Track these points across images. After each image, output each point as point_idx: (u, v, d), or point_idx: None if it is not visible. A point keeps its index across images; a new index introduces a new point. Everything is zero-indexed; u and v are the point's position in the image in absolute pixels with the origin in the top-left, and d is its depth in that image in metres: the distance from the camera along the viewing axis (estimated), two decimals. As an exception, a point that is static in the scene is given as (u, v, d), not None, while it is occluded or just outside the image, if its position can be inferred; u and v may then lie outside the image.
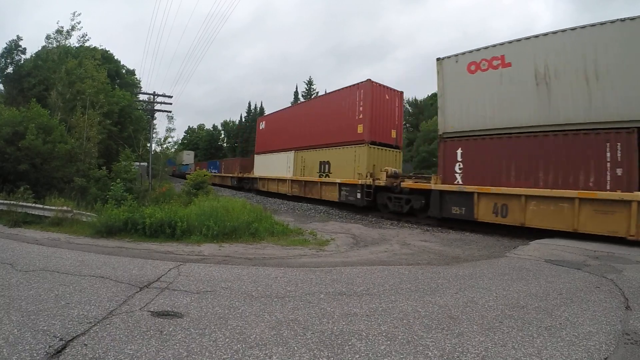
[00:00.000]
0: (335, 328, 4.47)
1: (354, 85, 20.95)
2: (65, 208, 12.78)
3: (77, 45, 29.16)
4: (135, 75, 44.86)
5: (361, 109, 19.89)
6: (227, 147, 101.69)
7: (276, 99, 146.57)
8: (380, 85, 20.47)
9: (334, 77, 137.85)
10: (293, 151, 26.43)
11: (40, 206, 13.20)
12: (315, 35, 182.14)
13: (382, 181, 18.07)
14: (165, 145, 34.51)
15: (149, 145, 29.42)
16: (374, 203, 18.77)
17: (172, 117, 35.36)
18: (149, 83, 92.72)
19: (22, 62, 28.71)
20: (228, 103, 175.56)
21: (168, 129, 44.71)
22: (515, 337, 4.33)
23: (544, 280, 6.96)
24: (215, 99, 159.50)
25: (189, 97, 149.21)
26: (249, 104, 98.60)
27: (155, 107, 28.76)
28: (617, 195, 10.76)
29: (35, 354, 3.57)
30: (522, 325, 4.67)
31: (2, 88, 30.62)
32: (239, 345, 3.93)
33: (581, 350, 4.02)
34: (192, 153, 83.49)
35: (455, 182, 14.47)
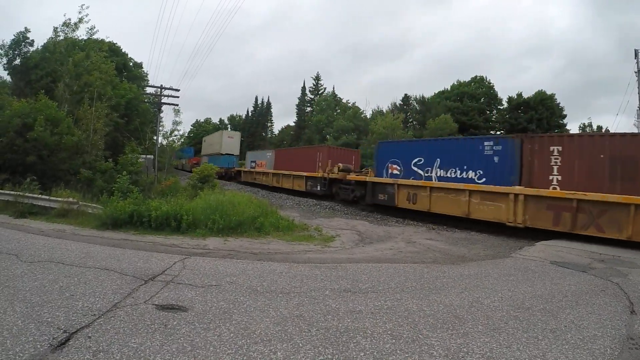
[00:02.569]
0: (340, 325, 4.46)
1: None
2: (71, 200, 12.82)
3: (85, 37, 29.18)
4: (142, 68, 44.71)
5: None
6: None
7: (285, 96, 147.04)
8: None
9: (350, 75, 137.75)
10: None
11: (46, 197, 13.26)
12: (334, 34, 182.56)
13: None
14: (171, 138, 34.43)
15: (155, 138, 29.46)
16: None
17: (178, 111, 35.22)
18: (156, 76, 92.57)
19: (29, 54, 28.78)
20: (244, 98, 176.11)
21: (174, 122, 42.37)
22: (520, 338, 4.31)
23: (549, 282, 6.93)
24: (230, 94, 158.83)
25: (203, 91, 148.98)
26: (256, 98, 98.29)
27: (162, 101, 28.77)
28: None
29: (38, 346, 3.59)
30: (527, 327, 4.65)
31: (10, 80, 30.74)
32: (243, 341, 3.93)
33: (586, 354, 4.00)
34: (237, 135, 53.88)
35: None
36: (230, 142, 48.93)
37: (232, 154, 46.67)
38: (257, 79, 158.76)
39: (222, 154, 45.84)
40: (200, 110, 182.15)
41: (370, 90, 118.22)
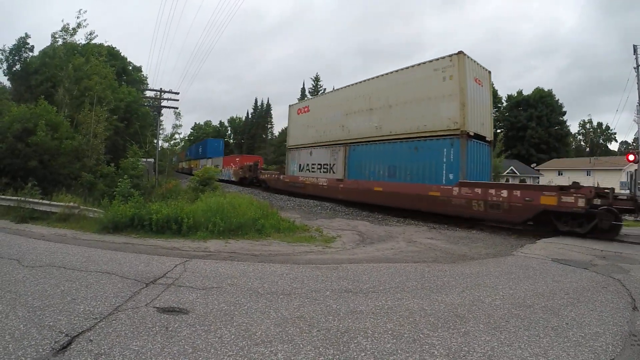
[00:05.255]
0: (341, 325, 4.46)
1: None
2: (72, 204, 12.83)
3: (84, 42, 29.27)
4: (142, 72, 44.81)
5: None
6: (234, 144, 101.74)
7: (292, 97, 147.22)
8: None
9: (360, 76, 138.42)
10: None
11: (47, 202, 13.28)
12: (345, 35, 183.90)
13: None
14: (172, 142, 34.37)
15: (155, 141, 29.45)
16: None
17: (179, 114, 35.08)
18: (156, 77, 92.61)
19: (29, 59, 28.86)
20: (249, 97, 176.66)
21: (174, 126, 41.62)
22: (522, 336, 4.30)
23: (550, 280, 6.92)
24: (236, 96, 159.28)
25: (209, 93, 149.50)
26: (256, 100, 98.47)
27: (162, 104, 28.77)
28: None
29: (41, 350, 3.60)
30: (528, 325, 4.64)
31: (10, 85, 30.83)
32: (244, 342, 3.93)
33: (587, 351, 3.99)
34: (486, 76, 16.54)
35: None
36: (481, 98, 16.27)
37: (485, 139, 16.67)
38: (263, 79, 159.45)
39: (471, 137, 15.07)
40: (205, 113, 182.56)
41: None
